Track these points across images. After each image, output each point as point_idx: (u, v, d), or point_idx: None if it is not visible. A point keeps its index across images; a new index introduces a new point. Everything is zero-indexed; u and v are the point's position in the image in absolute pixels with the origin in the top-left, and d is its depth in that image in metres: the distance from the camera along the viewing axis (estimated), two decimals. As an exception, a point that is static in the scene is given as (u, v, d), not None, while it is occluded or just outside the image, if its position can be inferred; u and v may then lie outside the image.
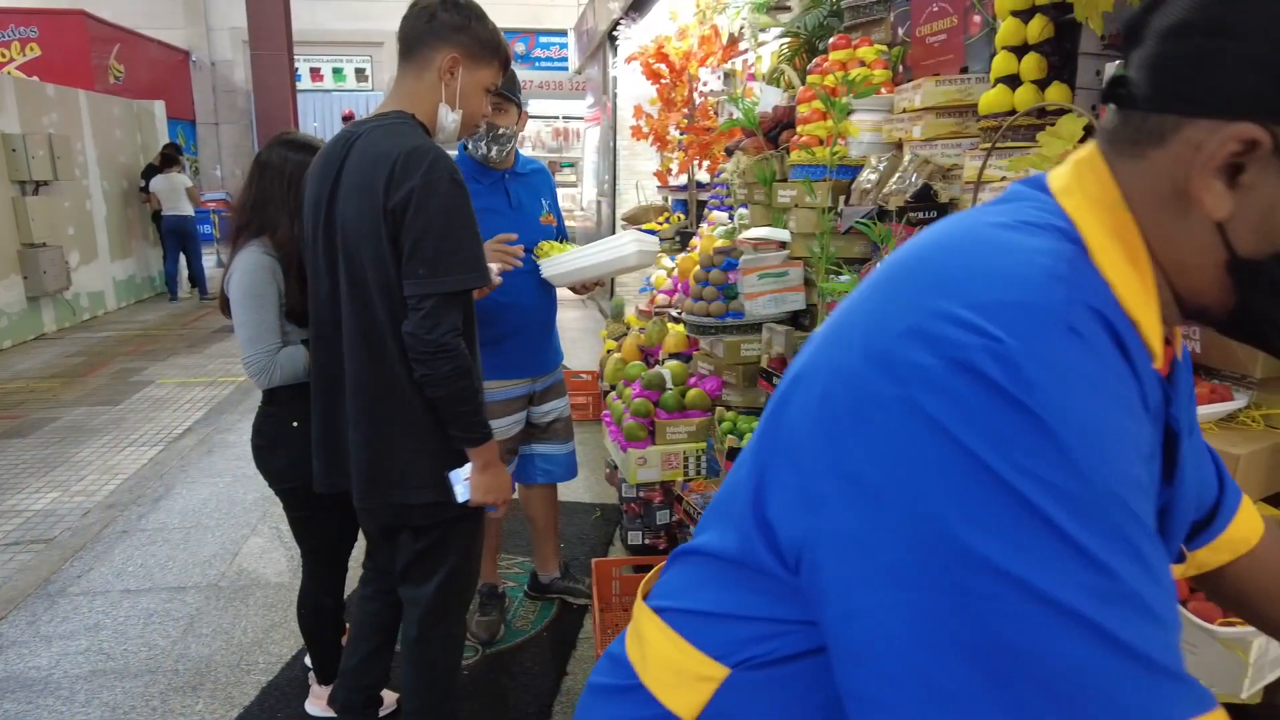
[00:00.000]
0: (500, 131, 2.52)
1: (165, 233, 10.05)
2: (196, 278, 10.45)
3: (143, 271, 10.53)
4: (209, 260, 12.33)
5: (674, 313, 3.78)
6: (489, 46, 1.92)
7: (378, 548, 2.18)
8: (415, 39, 1.88)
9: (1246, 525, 0.88)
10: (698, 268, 3.23)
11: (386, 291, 1.78)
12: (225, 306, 2.20)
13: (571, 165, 15.78)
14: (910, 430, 0.53)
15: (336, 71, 16.32)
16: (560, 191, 3.26)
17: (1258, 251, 0.58)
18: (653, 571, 0.88)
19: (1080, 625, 0.48)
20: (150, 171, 10.07)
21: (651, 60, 5.23)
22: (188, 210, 9.89)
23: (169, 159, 9.94)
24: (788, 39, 3.60)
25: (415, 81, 1.89)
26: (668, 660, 0.73)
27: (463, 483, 1.89)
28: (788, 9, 3.98)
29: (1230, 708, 1.17)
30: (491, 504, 1.93)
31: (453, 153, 2.06)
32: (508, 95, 2.52)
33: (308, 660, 2.53)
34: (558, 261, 2.82)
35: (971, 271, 0.57)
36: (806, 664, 0.65)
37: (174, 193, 9.75)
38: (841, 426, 0.57)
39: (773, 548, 0.64)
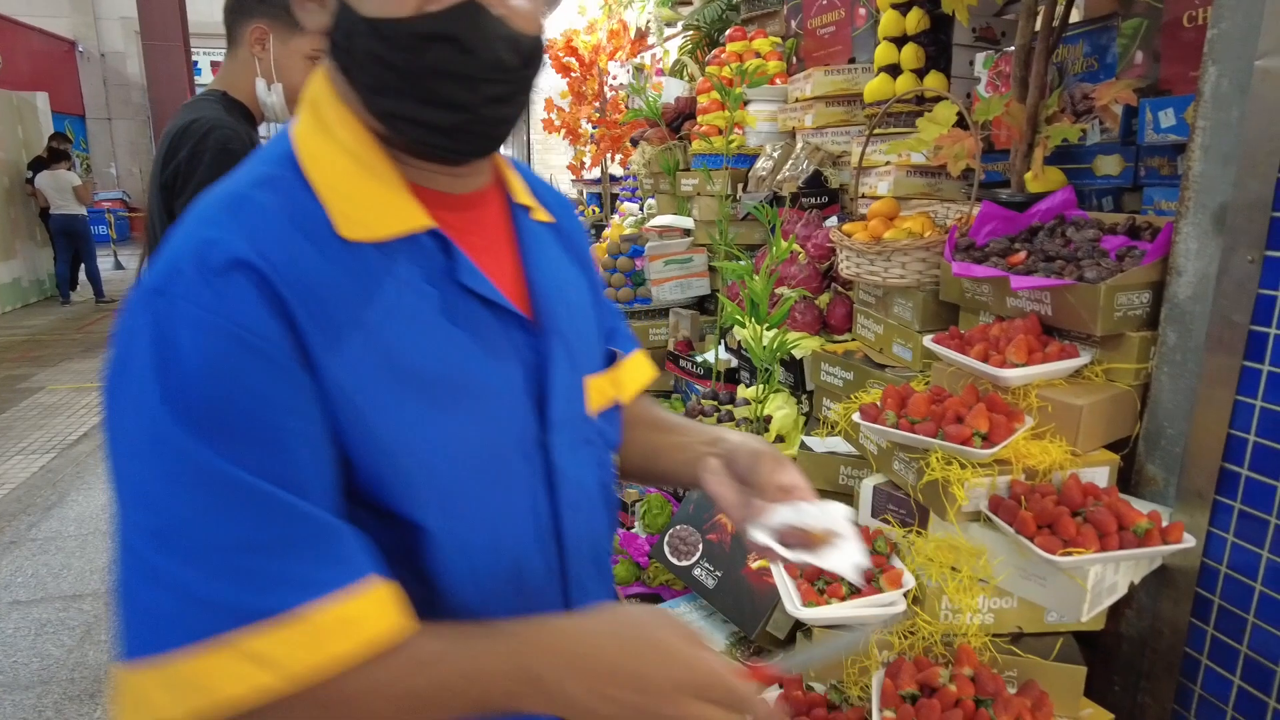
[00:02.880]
0: None
1: (54, 233, 9.50)
2: (92, 279, 9.90)
3: (30, 274, 9.92)
4: (106, 261, 11.71)
5: (586, 302, 3.83)
6: None
7: None
8: (229, 21, 1.86)
9: (634, 376, 0.98)
10: (606, 255, 3.28)
11: None
12: None
13: (487, 161, 15.61)
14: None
15: (238, 64, 15.69)
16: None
17: (331, 36, 0.68)
18: None
19: (132, 557, 0.57)
20: (39, 165, 9.50)
21: (561, 54, 5.25)
22: (77, 209, 9.37)
23: (56, 153, 9.40)
24: (690, 32, 3.68)
25: (231, 61, 1.87)
26: None
27: None
28: (689, 3, 4.07)
29: (1080, 636, 1.30)
30: None
31: None
32: None
33: None
34: None
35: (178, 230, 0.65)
36: None
37: (61, 191, 9.23)
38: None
39: None
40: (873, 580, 1.28)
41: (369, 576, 0.60)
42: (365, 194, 0.67)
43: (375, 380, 0.64)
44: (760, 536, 0.74)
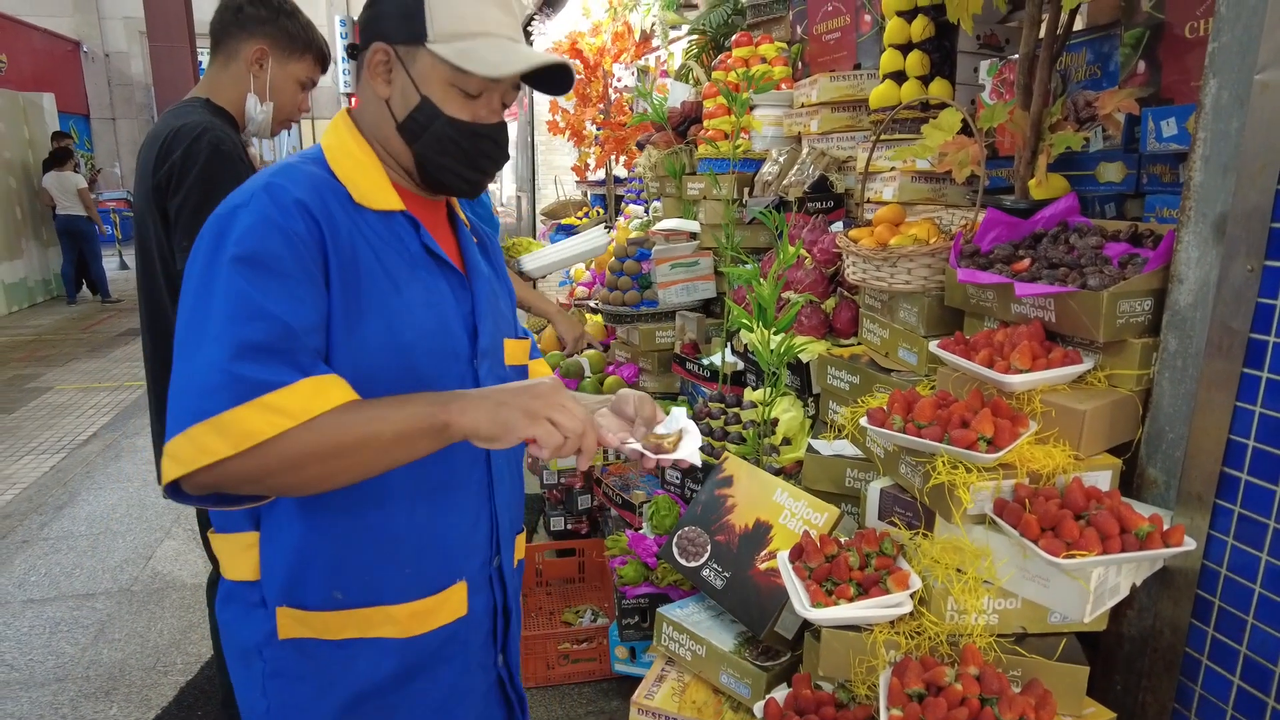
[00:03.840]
0: None
1: (59, 233, 9.57)
2: (96, 280, 9.94)
3: (37, 274, 9.97)
4: (111, 261, 11.75)
5: (592, 304, 3.85)
6: (299, 41, 1.93)
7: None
8: (222, 32, 1.89)
9: (540, 370, 1.39)
10: (613, 258, 3.31)
11: (166, 271, 1.79)
12: None
13: (490, 161, 15.63)
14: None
15: (242, 64, 15.70)
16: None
17: (402, 115, 1.08)
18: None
19: (192, 356, 0.92)
20: (51, 165, 9.56)
21: (566, 56, 5.27)
22: (81, 210, 9.42)
23: (61, 153, 9.44)
24: (695, 36, 3.71)
25: (220, 72, 1.90)
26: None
27: None
28: (695, 7, 4.08)
29: (1082, 637, 1.32)
30: None
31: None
32: None
33: None
34: (541, 255, 3.04)
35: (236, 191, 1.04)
36: None
37: (65, 191, 9.29)
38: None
39: None
40: (880, 582, 1.31)
41: (335, 374, 0.96)
42: (367, 182, 1.09)
43: (369, 288, 1.02)
44: (629, 446, 1.08)
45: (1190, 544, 1.18)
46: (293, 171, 1.03)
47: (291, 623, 1.08)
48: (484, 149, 1.11)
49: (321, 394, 0.93)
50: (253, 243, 0.94)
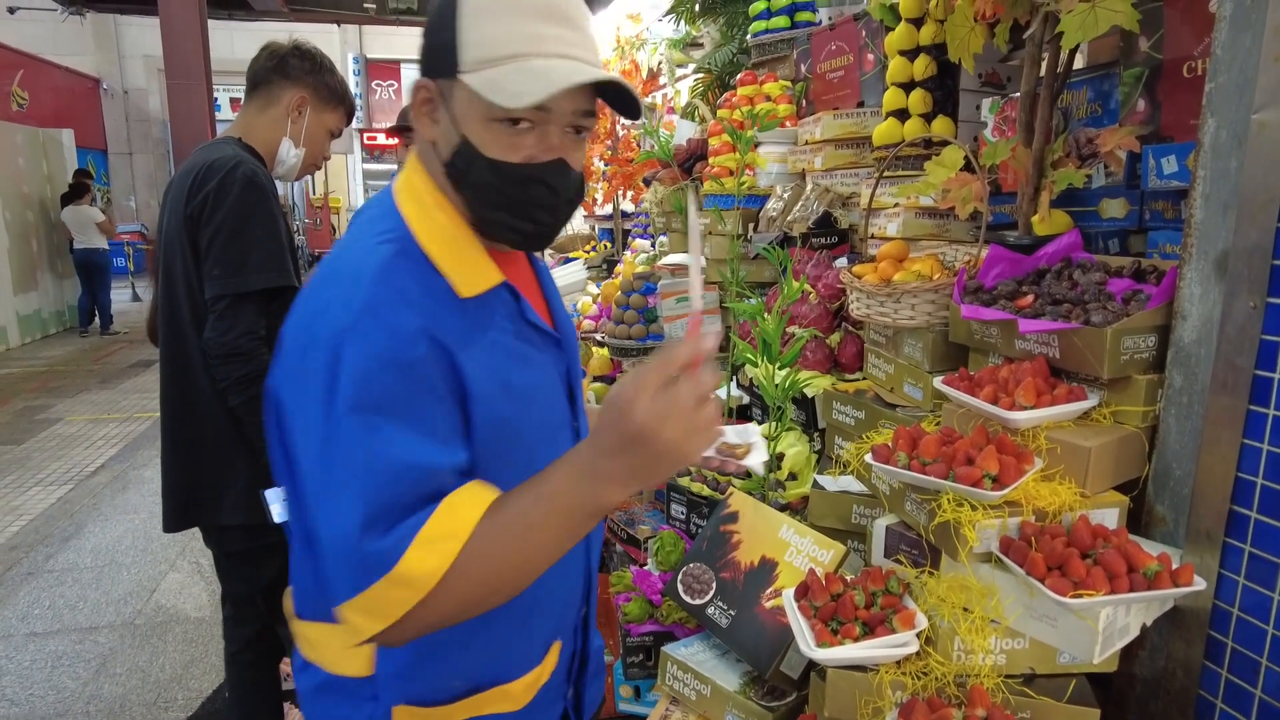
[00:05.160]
0: None
1: (76, 266, 9.73)
2: (100, 311, 10.04)
3: (51, 305, 10.08)
4: (124, 293, 11.87)
5: (599, 337, 3.87)
6: (336, 94, 2.03)
7: (228, 584, 2.10)
8: (263, 78, 1.96)
9: None
10: (619, 293, 3.33)
11: (191, 300, 1.82)
12: None
13: (500, 195, 15.79)
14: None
15: (257, 101, 16.01)
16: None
17: (445, 158, 0.95)
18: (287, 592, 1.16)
19: (328, 536, 0.84)
20: (67, 200, 9.76)
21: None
22: (98, 243, 9.57)
23: (77, 188, 9.62)
24: (701, 75, 3.76)
25: (256, 114, 1.96)
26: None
27: (282, 501, 1.84)
28: (700, 46, 4.15)
29: (1093, 678, 1.30)
30: None
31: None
32: None
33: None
34: None
35: (330, 293, 0.91)
36: None
37: (82, 225, 9.45)
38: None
39: None
40: (886, 622, 1.30)
41: (475, 481, 0.88)
42: (467, 263, 0.97)
43: (489, 384, 0.94)
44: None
45: (1200, 583, 1.17)
46: (394, 276, 0.89)
47: (409, 719, 1.05)
48: (534, 195, 0.94)
49: (461, 511, 0.84)
50: (375, 387, 0.84)
